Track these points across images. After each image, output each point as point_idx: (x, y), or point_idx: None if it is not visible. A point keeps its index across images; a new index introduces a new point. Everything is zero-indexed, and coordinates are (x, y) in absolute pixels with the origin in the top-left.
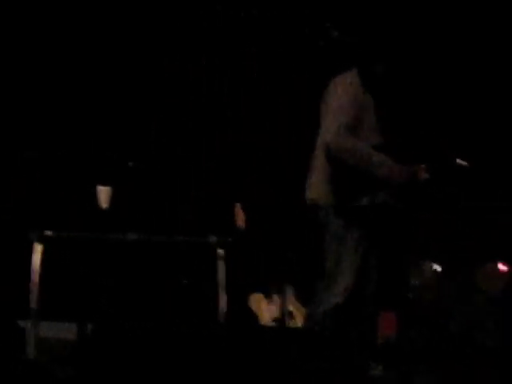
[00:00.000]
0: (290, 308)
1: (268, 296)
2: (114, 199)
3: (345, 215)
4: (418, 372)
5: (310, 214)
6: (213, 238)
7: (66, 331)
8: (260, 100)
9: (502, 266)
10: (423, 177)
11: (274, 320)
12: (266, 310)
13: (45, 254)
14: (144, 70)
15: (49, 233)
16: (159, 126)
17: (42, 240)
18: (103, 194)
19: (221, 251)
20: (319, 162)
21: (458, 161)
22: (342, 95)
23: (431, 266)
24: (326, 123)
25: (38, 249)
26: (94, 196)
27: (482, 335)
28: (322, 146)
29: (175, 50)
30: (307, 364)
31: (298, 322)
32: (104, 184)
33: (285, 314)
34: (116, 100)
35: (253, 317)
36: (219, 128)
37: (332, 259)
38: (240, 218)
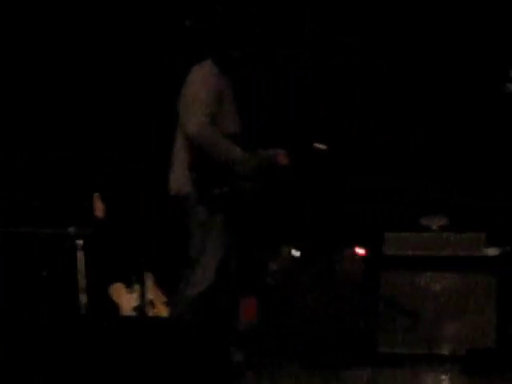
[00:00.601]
0: (151, 296)
1: (128, 285)
2: None
3: (208, 203)
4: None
5: (172, 203)
6: (72, 229)
7: None
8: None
9: (360, 251)
10: (282, 162)
11: (135, 309)
12: (126, 299)
13: None
14: None
15: None
16: (15, 118)
17: None
18: None
19: (80, 242)
20: (180, 153)
21: (316, 145)
22: (201, 85)
23: (289, 252)
24: (188, 114)
25: None
26: None
27: (342, 319)
28: (183, 137)
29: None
30: (168, 352)
31: (159, 309)
32: None
33: (145, 303)
34: None
35: (114, 307)
36: (79, 118)
37: (197, 246)
38: (99, 209)
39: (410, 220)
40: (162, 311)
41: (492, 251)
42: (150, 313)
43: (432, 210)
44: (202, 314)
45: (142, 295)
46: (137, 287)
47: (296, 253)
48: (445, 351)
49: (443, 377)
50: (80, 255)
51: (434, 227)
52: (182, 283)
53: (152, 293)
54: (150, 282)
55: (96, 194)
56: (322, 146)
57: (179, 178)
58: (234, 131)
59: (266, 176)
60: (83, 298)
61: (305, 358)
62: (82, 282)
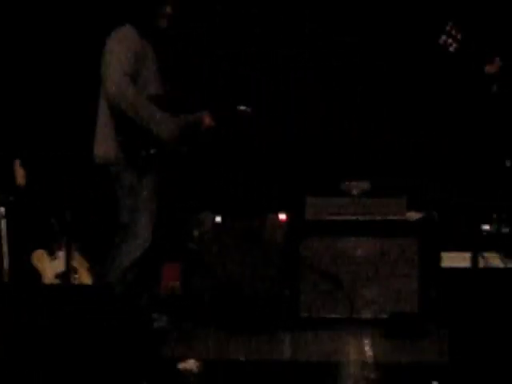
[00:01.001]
0: (74, 263)
1: (51, 252)
2: None
3: (136, 167)
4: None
5: (98, 170)
6: None
7: None
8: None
9: (282, 216)
10: (208, 123)
11: (58, 276)
12: (49, 266)
13: None
14: None
15: None
16: None
17: None
18: None
19: (2, 209)
20: (104, 117)
21: (240, 107)
22: (118, 48)
23: (212, 217)
24: (106, 76)
25: None
26: None
27: (264, 284)
28: (106, 100)
29: None
30: (91, 320)
31: (82, 276)
32: None
33: (69, 270)
34: None
35: (36, 274)
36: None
37: (128, 213)
38: (20, 175)
39: (331, 185)
40: (85, 278)
41: (413, 215)
42: (74, 280)
43: (354, 174)
44: (132, 281)
45: (66, 262)
46: (59, 254)
47: (217, 218)
48: (367, 315)
49: (365, 341)
50: (2, 222)
51: (356, 192)
52: (114, 250)
53: (75, 260)
54: (72, 248)
55: (17, 161)
56: (246, 109)
57: (104, 143)
58: (154, 93)
59: (191, 138)
60: (5, 266)
61: (227, 322)
62: (4, 249)
